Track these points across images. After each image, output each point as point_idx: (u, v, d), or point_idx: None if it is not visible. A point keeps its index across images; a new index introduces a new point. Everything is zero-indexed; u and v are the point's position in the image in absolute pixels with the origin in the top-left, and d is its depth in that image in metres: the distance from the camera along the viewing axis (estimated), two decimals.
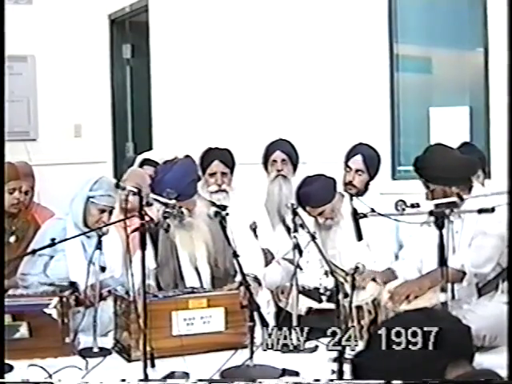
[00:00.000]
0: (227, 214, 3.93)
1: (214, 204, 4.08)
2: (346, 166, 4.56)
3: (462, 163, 3.74)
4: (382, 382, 1.73)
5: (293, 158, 4.70)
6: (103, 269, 3.67)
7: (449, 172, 3.64)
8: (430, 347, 1.73)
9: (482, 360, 1.90)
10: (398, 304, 3.56)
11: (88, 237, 3.96)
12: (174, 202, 3.94)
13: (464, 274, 3.57)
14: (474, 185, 3.73)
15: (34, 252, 3.85)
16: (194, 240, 3.99)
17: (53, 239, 3.47)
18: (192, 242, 3.99)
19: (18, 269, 4.01)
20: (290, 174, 4.68)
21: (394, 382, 1.72)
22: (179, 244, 4.01)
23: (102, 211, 4.02)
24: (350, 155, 4.56)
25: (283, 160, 4.68)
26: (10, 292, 3.75)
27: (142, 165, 5.13)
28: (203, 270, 4.01)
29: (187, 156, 4.11)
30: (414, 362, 1.73)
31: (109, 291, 3.85)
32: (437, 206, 3.50)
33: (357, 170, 4.52)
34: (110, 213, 4.04)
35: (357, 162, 4.52)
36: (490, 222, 3.46)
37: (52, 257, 4.01)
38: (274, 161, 4.69)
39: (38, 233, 4.14)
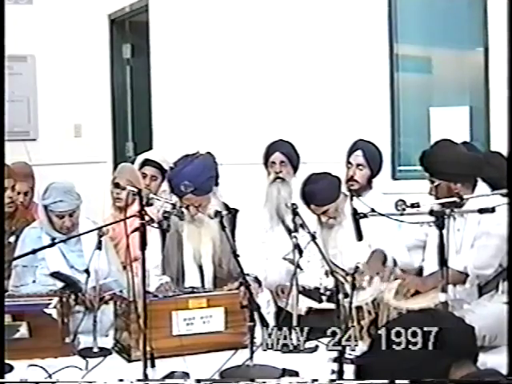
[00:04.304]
0: (227, 214, 3.94)
1: (226, 206, 4.10)
2: (348, 162, 4.56)
3: (467, 160, 3.73)
4: (385, 382, 1.73)
5: (292, 160, 4.66)
6: (87, 271, 3.67)
7: (454, 167, 3.64)
8: (435, 347, 1.72)
9: (485, 360, 1.90)
10: (401, 297, 3.56)
11: (65, 242, 3.95)
12: (174, 201, 3.96)
13: (467, 275, 3.58)
14: (478, 183, 3.73)
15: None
16: (202, 236, 3.99)
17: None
18: (199, 237, 3.99)
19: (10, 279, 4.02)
20: (289, 175, 4.63)
21: (397, 381, 1.72)
22: (186, 238, 4.01)
23: (62, 216, 4.02)
24: (350, 151, 4.57)
25: (282, 162, 4.63)
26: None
27: (143, 165, 5.13)
28: (207, 268, 4.01)
29: (209, 153, 4.11)
30: (418, 362, 1.73)
31: (111, 295, 3.83)
32: (438, 204, 3.50)
33: (357, 165, 4.52)
34: (71, 215, 4.03)
35: (357, 157, 4.53)
36: (491, 223, 3.46)
37: (37, 266, 4.01)
38: (273, 162, 4.64)
39: (18, 243, 4.13)
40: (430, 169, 3.72)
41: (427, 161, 3.74)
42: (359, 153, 4.53)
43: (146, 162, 5.13)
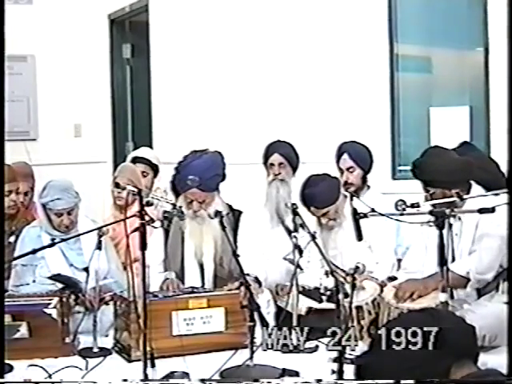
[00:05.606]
0: (228, 215, 3.94)
1: (230, 207, 4.10)
2: (338, 168, 4.56)
3: (459, 165, 3.73)
4: (385, 382, 1.73)
5: (292, 161, 4.61)
6: (86, 270, 3.68)
7: (447, 175, 3.64)
8: (435, 347, 1.72)
9: (486, 360, 1.90)
10: (402, 301, 3.57)
11: (64, 240, 3.95)
12: (173, 201, 3.97)
13: (468, 280, 3.58)
14: (472, 186, 3.73)
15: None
16: (204, 234, 3.99)
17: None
18: (201, 235, 4.00)
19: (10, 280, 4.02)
20: (288, 176, 4.58)
21: (397, 381, 1.72)
22: (188, 235, 4.01)
23: (60, 214, 4.02)
24: (338, 157, 4.56)
25: (281, 163, 4.57)
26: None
27: (133, 162, 5.14)
28: (207, 266, 4.02)
29: (218, 151, 4.13)
30: (418, 362, 1.73)
31: (111, 296, 3.83)
32: (437, 205, 3.50)
33: (347, 169, 4.52)
34: (69, 213, 4.04)
35: (344, 160, 4.52)
36: (490, 225, 3.46)
37: (37, 265, 4.01)
38: (272, 164, 4.61)
39: (17, 243, 4.14)
40: (423, 178, 3.73)
41: (419, 171, 3.75)
42: (345, 156, 4.52)
43: (136, 160, 5.17)
